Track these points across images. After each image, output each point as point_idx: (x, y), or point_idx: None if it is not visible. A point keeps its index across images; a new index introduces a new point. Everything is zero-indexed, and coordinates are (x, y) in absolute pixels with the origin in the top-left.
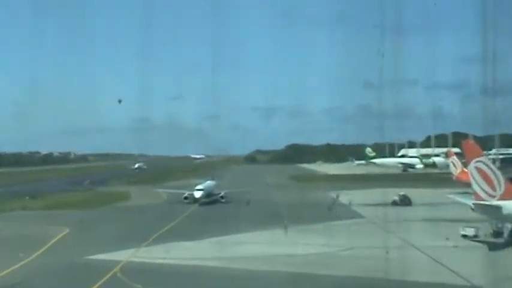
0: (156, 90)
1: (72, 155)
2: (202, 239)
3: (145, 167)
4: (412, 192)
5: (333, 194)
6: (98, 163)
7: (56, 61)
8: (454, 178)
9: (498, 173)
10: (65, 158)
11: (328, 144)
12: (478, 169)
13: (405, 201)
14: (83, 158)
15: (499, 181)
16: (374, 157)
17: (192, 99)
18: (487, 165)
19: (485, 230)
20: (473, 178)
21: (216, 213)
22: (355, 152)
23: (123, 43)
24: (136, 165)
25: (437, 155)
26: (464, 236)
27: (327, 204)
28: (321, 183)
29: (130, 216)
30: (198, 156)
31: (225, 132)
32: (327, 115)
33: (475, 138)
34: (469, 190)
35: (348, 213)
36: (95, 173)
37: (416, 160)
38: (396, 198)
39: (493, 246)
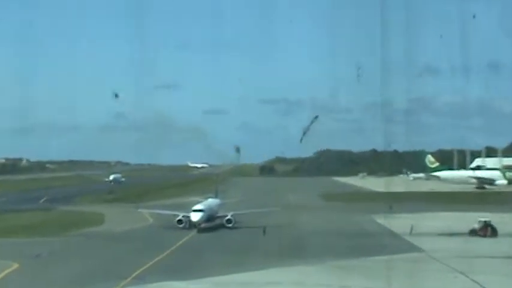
0: (141, 76)
1: (25, 162)
2: (200, 278)
3: (123, 179)
4: (497, 218)
5: (381, 219)
6: (60, 173)
7: (11, 39)
8: None
9: None
10: (14, 166)
11: (375, 151)
12: None
13: (488, 230)
14: (40, 167)
15: None
16: (437, 169)
17: (189, 88)
18: None
19: None
20: None
21: (221, 242)
22: (411, 161)
23: (97, 13)
24: (112, 177)
25: None
26: None
27: (372, 232)
28: (364, 204)
29: (103, 245)
30: (198, 166)
31: (233, 134)
32: (372, 112)
33: None
34: None
35: (400, 245)
36: (56, 187)
37: (497, 173)
38: (476, 226)
39: None
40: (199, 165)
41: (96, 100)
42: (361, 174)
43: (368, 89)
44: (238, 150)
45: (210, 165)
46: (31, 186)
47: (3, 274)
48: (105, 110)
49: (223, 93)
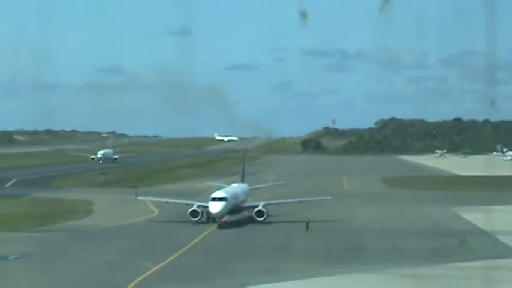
0: (143, 19)
1: None
2: None
3: (115, 156)
4: None
5: (466, 213)
6: (32, 148)
7: None
8: None
9: None
10: None
11: (459, 121)
12: None
13: None
14: (5, 138)
15: None
16: None
17: (206, 35)
18: None
19: None
20: None
21: (248, 241)
22: (507, 135)
23: None
24: (100, 153)
25: None
26: None
27: (453, 230)
28: (443, 193)
29: (91, 245)
30: (225, 139)
31: (267, 97)
32: (453, 67)
33: None
34: None
35: (490, 247)
36: (28, 166)
37: None
38: None
39: None
40: (225, 139)
41: (83, 48)
42: (438, 152)
43: (453, 36)
44: None
45: (240, 139)
46: None
47: None
48: (94, 62)
49: (252, 42)
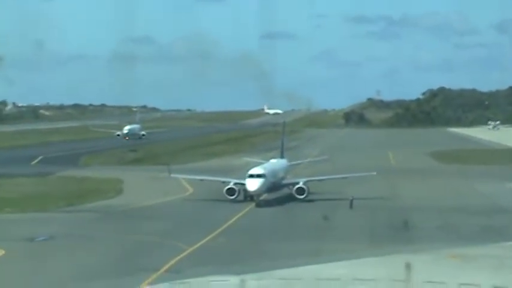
0: None
1: (11, 107)
2: (261, 272)
3: (143, 132)
4: None
5: None
6: (59, 123)
7: None
8: None
9: None
10: None
11: None
12: None
13: None
14: (32, 113)
15: None
16: None
17: (238, 1)
18: None
19: None
20: None
21: (289, 221)
22: None
23: None
24: (126, 129)
25: None
26: None
27: (506, 207)
28: (497, 168)
29: (120, 226)
30: (271, 112)
31: (307, 67)
32: (507, 32)
33: None
34: None
35: None
36: (55, 143)
37: None
38: None
39: None
40: (271, 111)
41: (110, 17)
42: (491, 124)
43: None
44: None
45: (285, 112)
46: (19, 142)
47: None
48: (123, 32)
49: (289, 8)
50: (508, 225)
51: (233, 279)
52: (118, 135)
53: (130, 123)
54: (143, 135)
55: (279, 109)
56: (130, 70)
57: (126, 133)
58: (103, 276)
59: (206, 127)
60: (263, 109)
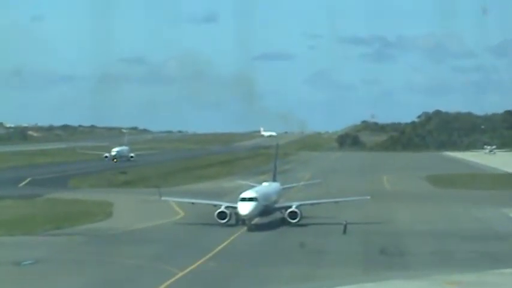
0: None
1: None
2: None
3: (131, 154)
4: None
5: None
6: (48, 145)
7: None
8: None
9: None
10: None
11: (509, 114)
12: None
13: None
14: (20, 134)
15: None
16: None
17: (232, 21)
18: None
19: None
20: None
21: (281, 245)
22: None
23: None
24: (115, 151)
25: None
26: None
27: (504, 233)
28: (493, 193)
29: (110, 250)
30: (266, 134)
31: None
32: (503, 55)
33: None
34: None
35: None
36: (43, 165)
37: None
38: None
39: None
40: (266, 134)
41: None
42: (487, 148)
43: (503, 21)
44: None
45: (278, 134)
46: (7, 163)
47: None
48: (115, 52)
49: (283, 29)
50: (505, 252)
51: None
52: (106, 157)
53: (120, 145)
54: (132, 157)
55: (273, 131)
56: (120, 91)
57: (114, 155)
58: None
59: (198, 149)
60: (256, 131)
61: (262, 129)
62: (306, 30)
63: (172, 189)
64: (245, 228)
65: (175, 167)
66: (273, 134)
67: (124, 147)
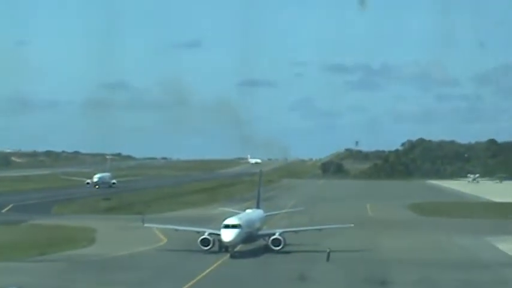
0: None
1: None
2: None
3: (113, 181)
4: None
5: (503, 244)
6: (31, 171)
7: None
8: None
9: None
10: None
11: (492, 143)
12: None
13: None
14: (4, 160)
15: None
16: None
17: (216, 47)
18: None
19: None
20: None
21: (265, 273)
22: None
23: None
24: (96, 178)
25: None
26: None
27: (489, 263)
28: (477, 221)
29: (93, 277)
30: (252, 161)
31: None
32: (487, 84)
33: None
34: None
35: None
36: (26, 191)
37: None
38: None
39: None
40: (252, 161)
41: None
42: (471, 176)
43: (487, 50)
44: None
45: (262, 161)
46: None
47: None
48: (97, 77)
49: (268, 55)
50: (487, 280)
51: None
52: (88, 183)
53: (102, 171)
54: (113, 183)
55: (258, 158)
56: (104, 117)
57: (96, 181)
58: None
59: (182, 176)
60: (241, 158)
61: (249, 156)
62: (291, 58)
63: (156, 215)
64: (228, 255)
65: (158, 194)
66: (258, 161)
67: (106, 174)
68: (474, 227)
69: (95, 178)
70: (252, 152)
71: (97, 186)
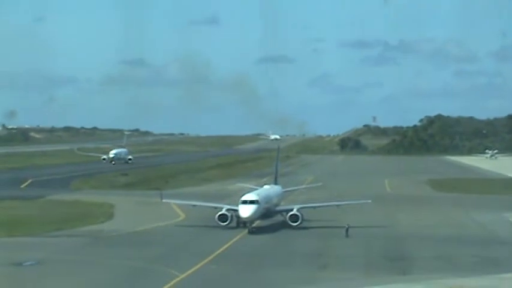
0: (165, 7)
1: (0, 129)
2: None
3: (130, 157)
4: None
5: None
6: (50, 146)
7: None
8: None
9: None
10: None
11: (511, 118)
12: None
13: None
14: (22, 136)
15: None
16: None
17: (234, 24)
18: None
19: None
20: None
21: (282, 249)
22: None
23: None
24: (113, 153)
25: None
26: None
27: (506, 238)
28: (495, 197)
29: (111, 252)
30: (271, 137)
31: (302, 92)
32: (506, 60)
33: None
34: None
35: None
36: (46, 166)
37: None
38: None
39: None
40: (272, 137)
41: (104, 40)
42: (489, 152)
43: (507, 25)
44: None
45: (280, 137)
46: (9, 164)
47: None
48: (116, 55)
49: (286, 31)
50: (505, 256)
51: None
52: (104, 159)
53: (119, 147)
54: (130, 159)
55: (277, 135)
56: (123, 93)
57: (112, 157)
58: None
59: (200, 152)
60: (258, 134)
61: (270, 132)
62: (310, 35)
63: (174, 191)
64: (246, 231)
65: (176, 170)
66: (277, 137)
67: (122, 150)
68: (492, 203)
69: (111, 154)
70: (270, 128)
71: (113, 162)
